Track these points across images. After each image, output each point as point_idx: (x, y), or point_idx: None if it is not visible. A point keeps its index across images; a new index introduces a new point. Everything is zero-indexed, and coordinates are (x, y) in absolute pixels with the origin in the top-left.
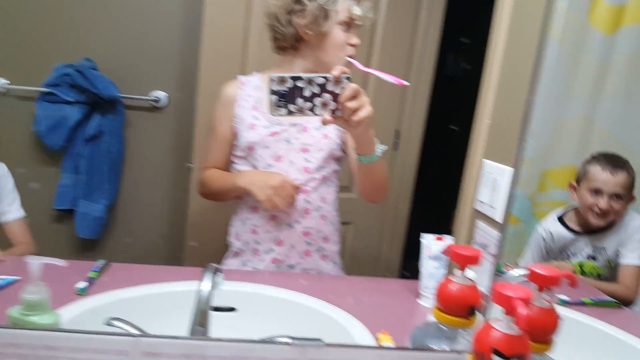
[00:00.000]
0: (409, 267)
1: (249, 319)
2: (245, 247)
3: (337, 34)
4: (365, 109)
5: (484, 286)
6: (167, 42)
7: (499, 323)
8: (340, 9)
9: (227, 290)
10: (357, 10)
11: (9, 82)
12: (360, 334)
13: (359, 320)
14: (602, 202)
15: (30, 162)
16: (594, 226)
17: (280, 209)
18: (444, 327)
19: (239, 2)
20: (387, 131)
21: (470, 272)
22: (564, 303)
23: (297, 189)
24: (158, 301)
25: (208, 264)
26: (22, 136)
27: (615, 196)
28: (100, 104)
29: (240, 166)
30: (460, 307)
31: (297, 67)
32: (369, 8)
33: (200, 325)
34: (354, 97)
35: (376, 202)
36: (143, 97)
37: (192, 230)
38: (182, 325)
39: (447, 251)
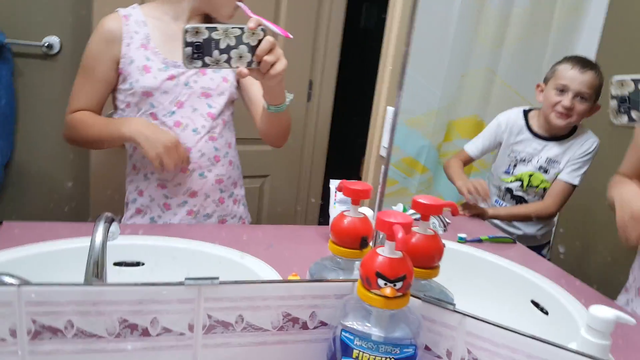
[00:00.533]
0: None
1: (158, 273)
2: (151, 203)
3: None
4: (281, 62)
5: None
6: None
7: (382, 249)
8: None
9: (134, 244)
10: None
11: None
12: (269, 277)
13: (271, 266)
14: (566, 100)
15: None
16: (554, 128)
17: (168, 170)
18: (339, 259)
19: None
20: (301, 82)
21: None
22: (463, 240)
23: (187, 156)
24: (55, 258)
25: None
26: None
27: (580, 97)
28: None
29: (129, 113)
30: (352, 239)
31: (185, 4)
32: None
33: (95, 276)
34: (270, 50)
35: (279, 146)
36: (34, 43)
37: (96, 186)
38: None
39: (340, 187)
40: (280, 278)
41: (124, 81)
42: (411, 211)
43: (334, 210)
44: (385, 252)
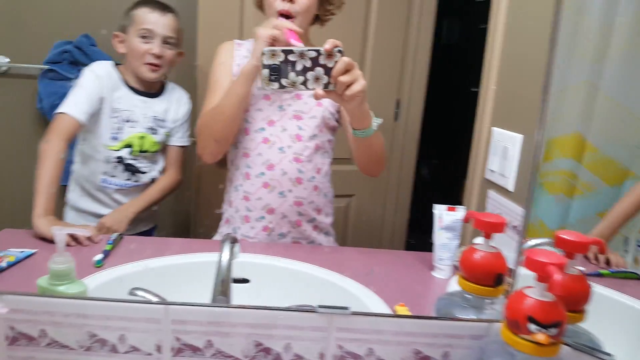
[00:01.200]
0: (415, 239)
1: (263, 291)
2: (236, 214)
3: None
4: (358, 83)
5: (507, 254)
6: None
7: (532, 290)
8: None
9: (241, 262)
10: None
11: (9, 60)
12: (377, 306)
13: (372, 291)
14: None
15: (36, 139)
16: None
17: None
18: (470, 296)
19: None
20: (388, 101)
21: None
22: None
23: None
24: (173, 272)
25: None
26: (26, 114)
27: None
28: None
29: None
30: (487, 275)
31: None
32: None
33: (222, 294)
34: (346, 70)
35: (374, 176)
36: None
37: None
38: (200, 295)
39: (469, 218)
40: (385, 305)
41: None
42: (533, 241)
43: (439, 238)
44: (535, 294)
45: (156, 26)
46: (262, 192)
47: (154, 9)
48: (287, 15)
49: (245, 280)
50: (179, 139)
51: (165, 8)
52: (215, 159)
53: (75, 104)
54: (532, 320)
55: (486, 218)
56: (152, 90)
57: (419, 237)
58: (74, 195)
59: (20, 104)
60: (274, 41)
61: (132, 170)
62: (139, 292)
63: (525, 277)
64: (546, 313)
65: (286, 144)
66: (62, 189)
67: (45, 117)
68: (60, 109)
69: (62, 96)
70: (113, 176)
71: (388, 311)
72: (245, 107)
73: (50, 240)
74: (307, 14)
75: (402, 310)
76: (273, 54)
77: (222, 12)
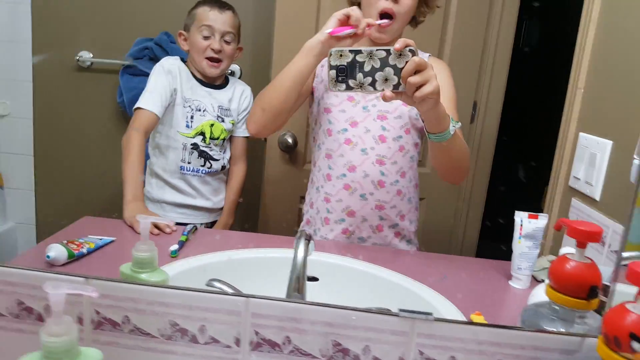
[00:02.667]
0: (487, 247)
1: (331, 290)
2: (317, 215)
3: None
4: (429, 85)
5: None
6: (242, 17)
7: (635, 305)
8: None
9: (312, 260)
10: None
11: (92, 55)
12: (452, 314)
13: (448, 299)
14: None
15: (116, 131)
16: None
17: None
18: (558, 308)
19: None
20: (464, 103)
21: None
22: None
23: None
24: (246, 266)
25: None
26: (107, 107)
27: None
28: None
29: (316, 130)
30: (579, 287)
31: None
32: None
33: (297, 291)
34: (417, 71)
35: (454, 183)
36: None
37: (265, 200)
38: (270, 291)
39: (561, 225)
40: (460, 313)
41: (313, 98)
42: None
43: (518, 246)
44: (638, 309)
45: (215, 23)
46: (342, 194)
47: (212, 7)
48: (389, 16)
49: (314, 279)
50: (245, 130)
51: (223, 6)
52: (258, 130)
53: (150, 99)
54: (634, 337)
55: (581, 226)
56: (216, 82)
57: (490, 245)
58: (151, 187)
59: (102, 98)
60: (346, 19)
61: (205, 156)
62: (217, 284)
63: (619, 294)
64: None
65: (369, 146)
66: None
67: (125, 110)
68: (137, 104)
69: (141, 91)
70: (189, 162)
71: (462, 319)
72: (302, 82)
73: (130, 228)
74: (407, 15)
75: (478, 319)
76: (341, 55)
77: (298, 8)
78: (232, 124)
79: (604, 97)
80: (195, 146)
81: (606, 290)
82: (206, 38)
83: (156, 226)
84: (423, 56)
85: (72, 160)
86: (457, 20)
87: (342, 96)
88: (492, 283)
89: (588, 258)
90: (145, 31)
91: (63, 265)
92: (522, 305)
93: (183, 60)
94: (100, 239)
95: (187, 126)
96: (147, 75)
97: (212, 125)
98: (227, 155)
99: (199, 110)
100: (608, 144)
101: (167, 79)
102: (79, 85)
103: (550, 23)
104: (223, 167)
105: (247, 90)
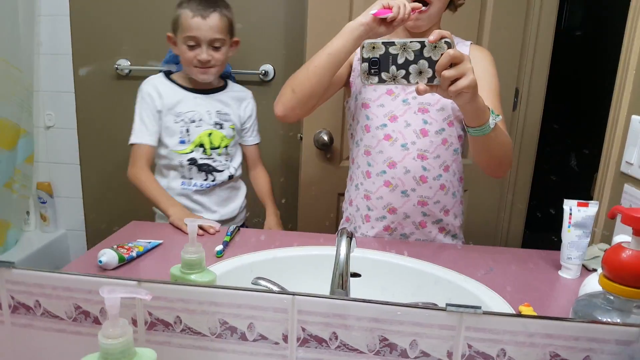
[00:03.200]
0: (533, 239)
1: (374, 286)
2: (357, 213)
3: None
4: (466, 78)
5: None
6: (274, 17)
7: None
8: None
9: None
10: None
11: (130, 62)
12: (500, 307)
13: (495, 292)
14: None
15: None
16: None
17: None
18: (614, 298)
19: None
20: (507, 90)
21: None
22: None
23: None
24: (290, 264)
25: (340, 229)
26: None
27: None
28: None
29: (354, 126)
30: (636, 276)
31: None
32: None
33: (341, 287)
34: (453, 64)
35: (497, 177)
36: (253, 72)
37: (303, 199)
38: (315, 288)
39: (615, 213)
40: (508, 306)
41: (351, 93)
42: None
43: (568, 235)
44: None
45: (199, 31)
46: (383, 191)
47: (195, 13)
48: (425, 3)
49: (356, 275)
50: (254, 138)
51: (208, 7)
52: (286, 112)
53: (139, 132)
54: None
55: (637, 213)
56: (210, 86)
57: (538, 236)
58: None
59: None
60: (389, 6)
61: (206, 169)
62: (262, 282)
63: None
64: None
65: (410, 140)
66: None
67: None
68: (130, 141)
69: None
70: (190, 178)
71: (511, 311)
72: (337, 64)
73: (177, 230)
74: (443, 1)
75: (527, 310)
76: (373, 47)
77: (331, 6)
78: (232, 128)
79: None
80: (192, 161)
81: None
82: (192, 48)
83: (200, 227)
84: (464, 45)
85: (116, 167)
86: (495, 3)
87: (381, 90)
88: (541, 274)
89: None
90: None
91: (115, 269)
92: (574, 295)
93: (170, 72)
94: (149, 242)
95: (183, 142)
96: None
97: (210, 134)
98: (236, 163)
99: (193, 121)
100: None
101: (148, 105)
102: (119, 93)
103: (594, 3)
104: (231, 177)
105: (248, 95)
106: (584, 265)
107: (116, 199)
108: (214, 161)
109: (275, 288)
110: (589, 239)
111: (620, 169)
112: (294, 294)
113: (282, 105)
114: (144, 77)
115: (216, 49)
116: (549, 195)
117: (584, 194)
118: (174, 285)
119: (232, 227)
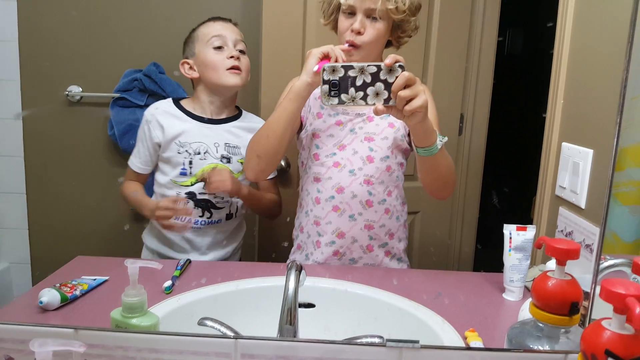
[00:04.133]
0: (483, 258)
1: (329, 317)
2: (308, 240)
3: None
4: (419, 98)
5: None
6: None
7: (608, 322)
8: None
9: (307, 286)
10: None
11: (82, 89)
12: (446, 333)
13: (441, 317)
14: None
15: (108, 165)
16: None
17: None
18: (542, 325)
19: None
20: (452, 116)
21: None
22: None
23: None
24: (240, 297)
25: (290, 262)
26: (98, 140)
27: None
28: None
29: (303, 155)
30: (561, 304)
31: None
32: None
33: (289, 323)
34: (407, 85)
35: (441, 198)
36: None
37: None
38: (266, 321)
39: (541, 244)
40: (454, 331)
41: (302, 126)
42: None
43: (509, 259)
44: (613, 326)
45: (225, 32)
46: (332, 216)
47: (216, 20)
48: (353, 45)
49: (310, 305)
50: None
51: (226, 20)
52: (257, 176)
53: (136, 161)
54: (610, 354)
55: (559, 245)
56: (221, 115)
57: (487, 254)
58: (147, 235)
59: (92, 131)
60: (325, 58)
61: (204, 206)
62: (208, 322)
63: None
64: (626, 347)
65: (357, 166)
66: (140, 230)
67: (116, 143)
68: (129, 162)
69: (131, 123)
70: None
71: (457, 337)
72: (293, 125)
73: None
74: (374, 45)
75: (473, 336)
76: (333, 70)
77: (284, 41)
78: (241, 163)
79: (583, 107)
80: (191, 196)
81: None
82: (219, 49)
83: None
84: None
85: (65, 196)
86: (439, 33)
87: (330, 121)
88: (486, 297)
89: (568, 274)
90: (134, 63)
91: (57, 309)
92: (516, 318)
93: (179, 99)
94: (94, 279)
95: (184, 173)
96: (137, 106)
97: (214, 169)
98: (239, 201)
99: (198, 153)
100: (589, 152)
101: (146, 137)
102: (69, 120)
103: (534, 30)
104: (229, 216)
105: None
106: (526, 287)
107: (64, 230)
108: (215, 197)
109: (222, 329)
110: (528, 262)
111: (555, 192)
112: (236, 337)
113: (252, 171)
114: (96, 104)
115: (242, 52)
116: (496, 215)
117: (526, 216)
118: (112, 332)
119: (181, 261)
